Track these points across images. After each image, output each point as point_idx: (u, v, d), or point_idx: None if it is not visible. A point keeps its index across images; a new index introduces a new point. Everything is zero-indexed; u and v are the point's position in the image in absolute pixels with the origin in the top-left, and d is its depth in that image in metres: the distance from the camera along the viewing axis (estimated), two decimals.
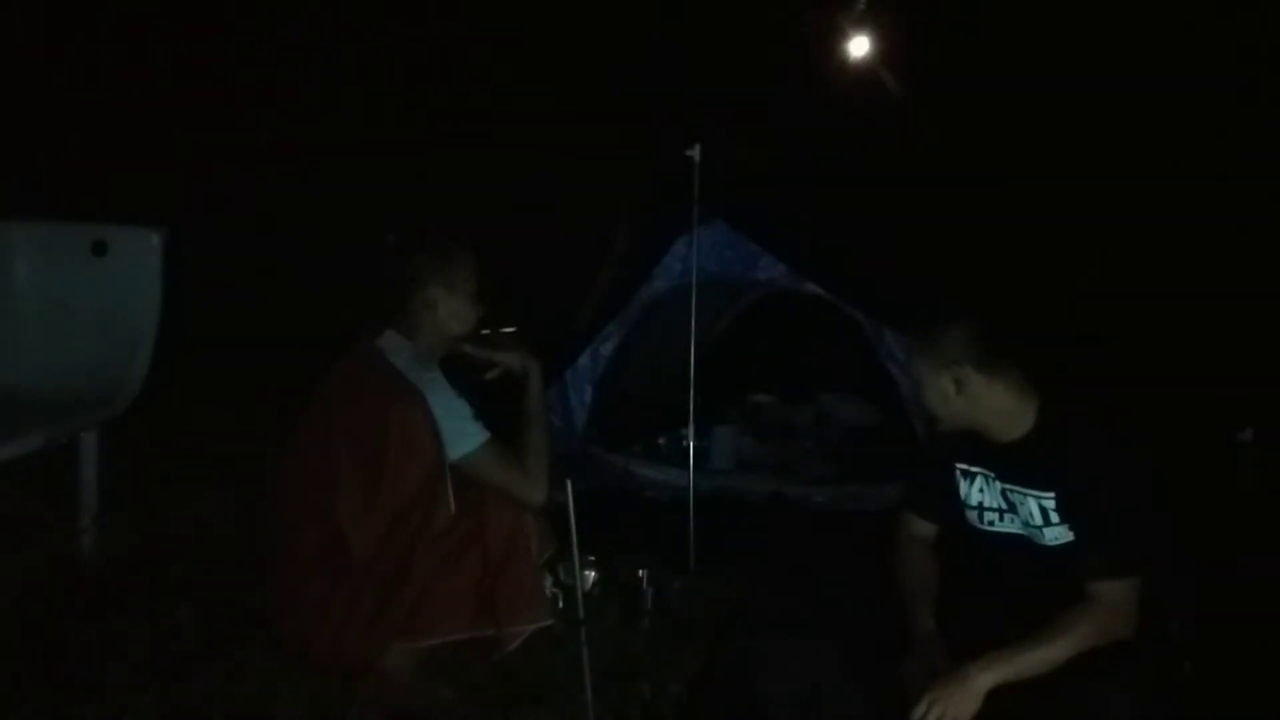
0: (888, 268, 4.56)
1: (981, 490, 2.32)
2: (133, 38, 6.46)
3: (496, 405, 2.68)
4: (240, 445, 3.82)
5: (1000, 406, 2.21)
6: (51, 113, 6.10)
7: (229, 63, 6.82)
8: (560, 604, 2.78)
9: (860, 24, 5.75)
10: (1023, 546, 2.26)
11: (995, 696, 2.02)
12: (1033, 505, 2.20)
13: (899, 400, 4.21)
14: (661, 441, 4.55)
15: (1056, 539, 2.19)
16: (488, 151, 6.97)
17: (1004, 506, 2.28)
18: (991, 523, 2.31)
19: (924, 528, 2.47)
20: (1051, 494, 2.17)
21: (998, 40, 6.50)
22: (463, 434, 2.51)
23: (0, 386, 3.21)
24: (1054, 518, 2.18)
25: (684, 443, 3.71)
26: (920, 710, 2.01)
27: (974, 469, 2.33)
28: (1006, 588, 2.30)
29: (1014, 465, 2.23)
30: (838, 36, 5.79)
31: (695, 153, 3.51)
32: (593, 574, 2.99)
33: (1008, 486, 2.26)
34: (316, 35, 7.22)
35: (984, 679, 2.02)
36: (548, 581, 2.78)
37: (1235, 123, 5.92)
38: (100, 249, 3.33)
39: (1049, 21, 6.41)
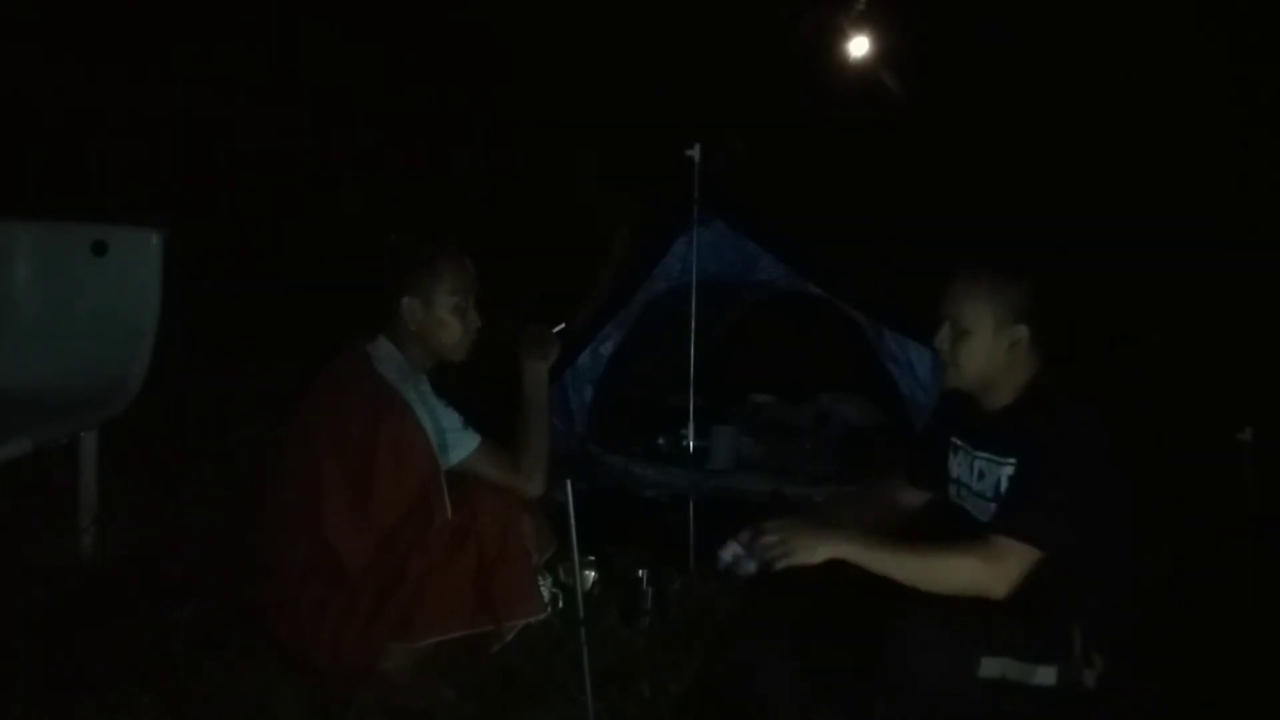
0: (887, 268, 4.56)
1: (960, 464, 2.29)
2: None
3: (494, 399, 2.66)
4: (240, 445, 3.83)
5: (1019, 373, 2.17)
6: (51, 113, 6.11)
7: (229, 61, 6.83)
8: (560, 604, 2.78)
9: (860, 24, 5.76)
10: (973, 525, 2.21)
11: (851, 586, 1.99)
12: (999, 475, 2.15)
13: (899, 400, 4.20)
14: (661, 441, 4.54)
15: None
16: (489, 152, 6.98)
17: (969, 482, 2.25)
18: (961, 497, 2.29)
19: (911, 498, 2.44)
20: (1012, 460, 2.12)
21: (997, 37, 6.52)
22: (455, 444, 2.50)
23: None
24: (1004, 490, 2.12)
25: (684, 443, 3.71)
26: (765, 529, 1.99)
27: (960, 443, 2.30)
28: None
29: (991, 432, 2.19)
30: (838, 36, 5.80)
31: (695, 153, 3.50)
32: (593, 574, 2.99)
33: (981, 455, 2.22)
34: (314, 32, 7.22)
35: (837, 545, 1.98)
36: (547, 581, 2.77)
37: (1236, 122, 5.93)
38: (100, 249, 3.32)
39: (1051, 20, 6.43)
